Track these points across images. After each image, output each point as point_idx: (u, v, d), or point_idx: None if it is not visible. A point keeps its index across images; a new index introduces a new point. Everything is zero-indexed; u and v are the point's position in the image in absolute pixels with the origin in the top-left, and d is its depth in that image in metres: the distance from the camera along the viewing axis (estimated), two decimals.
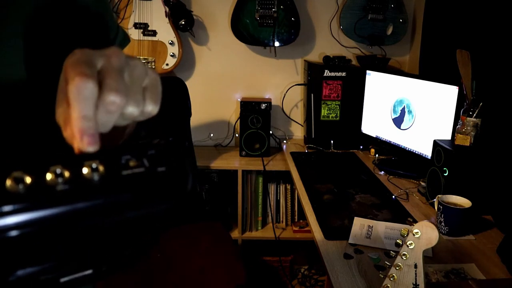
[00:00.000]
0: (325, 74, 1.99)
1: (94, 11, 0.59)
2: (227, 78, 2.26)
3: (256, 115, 2.07)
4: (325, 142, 2.05)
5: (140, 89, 0.35)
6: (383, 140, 1.86)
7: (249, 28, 2.04)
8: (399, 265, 0.74)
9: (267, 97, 2.27)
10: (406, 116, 1.71)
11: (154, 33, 2.03)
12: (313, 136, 2.08)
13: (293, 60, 2.26)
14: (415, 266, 0.73)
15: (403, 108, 1.72)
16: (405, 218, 1.31)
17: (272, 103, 2.16)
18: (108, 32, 0.64)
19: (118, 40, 0.67)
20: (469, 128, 1.30)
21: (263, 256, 2.19)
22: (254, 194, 2.15)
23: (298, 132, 2.36)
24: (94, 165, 0.29)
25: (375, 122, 1.91)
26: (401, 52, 2.27)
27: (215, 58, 2.23)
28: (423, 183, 1.53)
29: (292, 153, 2.01)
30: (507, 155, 1.32)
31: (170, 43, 2.05)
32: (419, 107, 1.63)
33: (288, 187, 2.18)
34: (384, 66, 2.13)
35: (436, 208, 1.23)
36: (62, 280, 0.33)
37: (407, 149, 1.71)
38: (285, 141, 2.27)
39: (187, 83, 1.98)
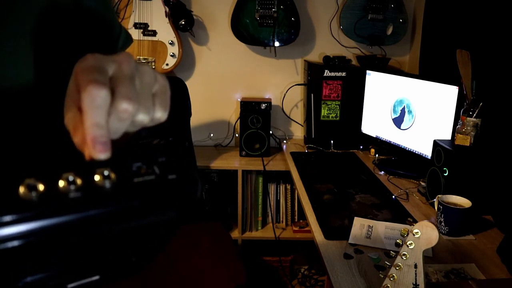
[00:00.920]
0: (325, 74, 1.99)
1: (98, 12, 0.59)
2: (227, 78, 2.26)
3: (256, 115, 2.07)
4: (325, 142, 2.05)
5: (150, 96, 0.35)
6: (383, 140, 1.86)
7: (249, 28, 2.04)
8: (399, 265, 0.74)
9: (267, 97, 2.27)
10: (406, 116, 1.71)
11: (154, 33, 2.03)
12: (313, 136, 2.08)
13: (293, 60, 2.26)
14: (415, 266, 0.73)
15: (403, 108, 1.72)
16: (405, 218, 1.31)
17: (272, 103, 2.16)
18: (112, 33, 0.64)
19: (121, 41, 0.67)
20: (469, 128, 1.30)
21: (263, 256, 2.19)
22: (254, 194, 2.15)
23: (298, 132, 2.35)
24: (106, 173, 0.29)
25: (375, 122, 1.91)
26: (401, 52, 2.27)
27: (215, 58, 2.23)
28: (423, 183, 1.53)
29: (292, 153, 2.01)
30: (507, 155, 1.32)
31: (170, 43, 2.05)
32: (419, 107, 1.63)
33: (288, 187, 2.18)
34: (384, 66, 2.13)
35: (436, 208, 1.23)
36: (69, 286, 0.33)
37: (407, 149, 1.71)
38: (285, 141, 2.27)
39: (187, 83, 1.98)
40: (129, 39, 0.70)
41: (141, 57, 2.05)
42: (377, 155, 1.90)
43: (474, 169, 1.28)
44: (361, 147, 2.05)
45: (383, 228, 1.22)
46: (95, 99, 0.31)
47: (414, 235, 0.72)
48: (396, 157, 1.84)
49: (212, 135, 2.33)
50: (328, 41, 2.23)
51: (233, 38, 2.09)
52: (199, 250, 1.56)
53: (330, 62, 2.07)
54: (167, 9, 2.01)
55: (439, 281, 0.97)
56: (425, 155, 1.59)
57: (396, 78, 1.76)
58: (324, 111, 2.04)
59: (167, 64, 2.06)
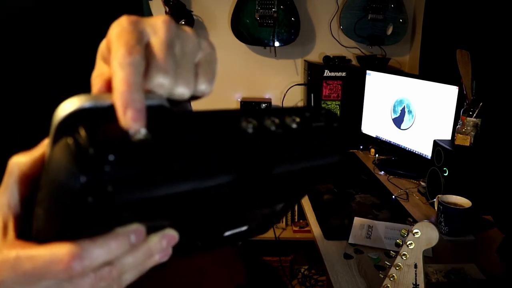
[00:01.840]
0: (325, 74, 1.99)
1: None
2: (227, 78, 2.26)
3: None
4: None
5: (192, 66, 0.31)
6: (383, 140, 1.86)
7: (249, 28, 2.04)
8: (399, 265, 0.74)
9: (267, 97, 2.27)
10: (406, 116, 1.71)
11: None
12: None
13: (293, 60, 2.26)
14: (415, 266, 0.73)
15: (403, 108, 1.72)
16: (405, 218, 1.31)
17: (272, 103, 2.16)
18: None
19: None
20: (469, 128, 1.30)
21: (263, 256, 2.19)
22: None
23: None
24: (293, 117, 0.30)
25: (375, 122, 1.91)
26: (401, 52, 2.26)
27: None
28: (423, 183, 1.53)
29: None
30: (507, 155, 1.32)
31: None
32: (419, 107, 1.63)
33: None
34: (384, 66, 2.13)
35: (436, 208, 1.23)
36: (226, 234, 0.34)
37: (407, 149, 1.71)
38: None
39: None
40: None
41: None
42: (377, 155, 1.90)
43: (474, 169, 1.28)
44: (361, 147, 2.05)
45: (383, 228, 1.22)
46: (126, 59, 0.26)
47: (414, 235, 0.72)
48: (396, 157, 1.84)
49: None
50: (328, 41, 2.22)
51: (233, 38, 2.09)
52: None
53: (330, 62, 2.07)
54: (167, 9, 2.00)
55: (439, 281, 0.97)
56: (425, 155, 1.59)
57: (396, 78, 1.76)
58: None
59: None
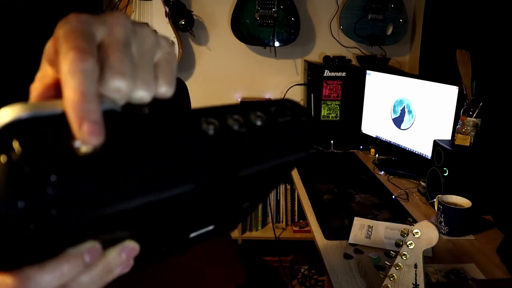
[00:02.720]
0: (325, 74, 1.99)
1: None
2: (227, 78, 2.26)
3: None
4: (325, 142, 2.05)
5: (150, 67, 0.28)
6: (383, 140, 1.86)
7: (249, 28, 2.04)
8: (399, 265, 0.74)
9: (267, 97, 2.27)
10: (406, 116, 1.71)
11: None
12: None
13: (293, 60, 2.26)
14: (415, 266, 0.73)
15: (403, 108, 1.72)
16: (405, 218, 1.31)
17: None
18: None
19: None
20: (469, 128, 1.30)
21: (263, 256, 2.19)
22: None
23: None
24: (258, 113, 0.29)
25: (375, 122, 1.91)
26: (401, 52, 2.27)
27: (215, 58, 2.23)
28: (423, 183, 1.53)
29: None
30: (507, 155, 1.32)
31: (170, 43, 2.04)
32: (419, 107, 1.63)
33: (288, 187, 2.18)
34: (384, 66, 2.13)
35: (436, 208, 1.23)
36: (191, 235, 0.33)
37: (407, 149, 1.71)
38: None
39: (187, 83, 1.98)
40: None
41: None
42: (377, 155, 1.90)
43: (474, 169, 1.28)
44: (361, 147, 2.05)
45: (383, 228, 1.22)
46: (78, 65, 0.23)
47: (414, 235, 0.72)
48: (396, 157, 1.84)
49: None
50: (328, 41, 2.22)
51: (233, 38, 2.09)
52: (198, 249, 1.56)
53: (330, 62, 2.07)
54: (167, 9, 2.01)
55: (439, 281, 0.97)
56: (425, 155, 1.59)
57: (396, 78, 1.76)
58: (324, 111, 2.04)
59: None
